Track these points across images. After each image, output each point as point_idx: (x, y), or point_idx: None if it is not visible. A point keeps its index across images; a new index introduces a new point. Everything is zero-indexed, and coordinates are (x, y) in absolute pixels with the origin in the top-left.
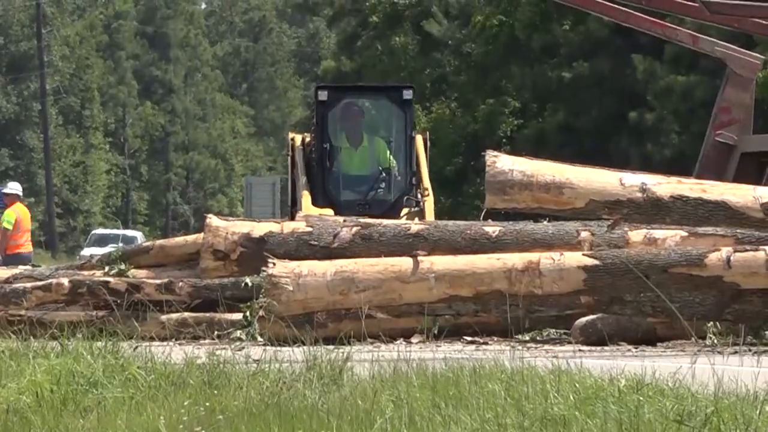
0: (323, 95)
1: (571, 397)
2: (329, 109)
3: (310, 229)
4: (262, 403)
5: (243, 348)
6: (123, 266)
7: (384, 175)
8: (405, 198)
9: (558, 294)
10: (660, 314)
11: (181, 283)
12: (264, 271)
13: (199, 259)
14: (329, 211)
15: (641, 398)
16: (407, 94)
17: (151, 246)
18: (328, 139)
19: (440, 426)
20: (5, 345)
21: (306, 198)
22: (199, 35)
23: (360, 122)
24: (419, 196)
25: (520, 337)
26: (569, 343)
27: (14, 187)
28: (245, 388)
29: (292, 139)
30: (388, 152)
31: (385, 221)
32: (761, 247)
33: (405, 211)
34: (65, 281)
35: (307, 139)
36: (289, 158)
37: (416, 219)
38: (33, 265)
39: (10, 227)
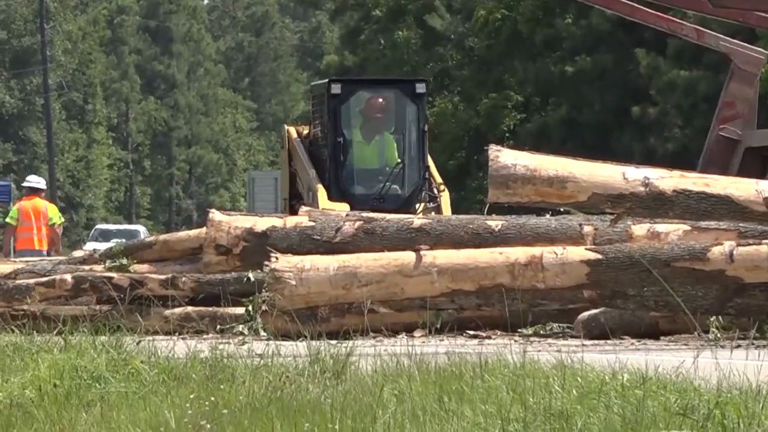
0: (337, 88)
1: (574, 392)
2: (342, 103)
3: (312, 223)
4: (265, 397)
5: (246, 342)
6: (125, 261)
7: (398, 169)
8: (423, 193)
9: (561, 288)
10: (663, 308)
11: (184, 278)
12: (267, 265)
13: (202, 253)
14: (345, 206)
15: (644, 392)
16: (420, 88)
17: (154, 241)
18: (341, 132)
19: (443, 420)
20: (9, 340)
21: (321, 192)
22: (201, 30)
23: (377, 117)
24: (435, 191)
25: (522, 331)
26: (572, 337)
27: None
28: (248, 383)
29: (288, 132)
30: (396, 149)
31: (388, 215)
32: (764, 241)
33: (421, 206)
34: (68, 277)
35: (305, 132)
36: (285, 151)
37: (433, 214)
38: None
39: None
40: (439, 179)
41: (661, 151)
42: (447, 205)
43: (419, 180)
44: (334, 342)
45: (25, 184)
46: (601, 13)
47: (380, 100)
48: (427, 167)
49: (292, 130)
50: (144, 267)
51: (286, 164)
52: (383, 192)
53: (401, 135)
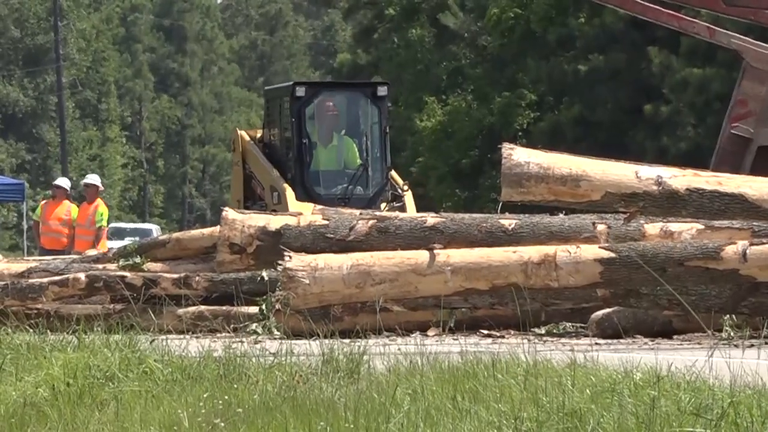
0: (301, 91)
1: (588, 391)
2: (306, 105)
3: (326, 222)
4: (278, 396)
5: (259, 341)
6: (138, 259)
7: (362, 170)
8: (390, 193)
9: (574, 287)
10: (676, 307)
11: (197, 278)
12: (280, 264)
13: (216, 252)
14: (311, 206)
15: (657, 391)
16: (382, 91)
17: (168, 239)
18: (306, 134)
19: (457, 420)
20: (22, 338)
21: (290, 193)
22: (215, 28)
23: (339, 119)
24: (399, 190)
25: (536, 330)
26: (585, 336)
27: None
28: (261, 382)
29: (240, 135)
30: (358, 150)
31: (401, 214)
32: None
33: (385, 206)
34: (82, 276)
35: (258, 135)
36: (237, 154)
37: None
38: None
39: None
40: (400, 180)
41: (674, 150)
42: (411, 204)
43: (382, 180)
44: (347, 341)
45: (91, 181)
46: (613, 12)
47: (343, 102)
48: (390, 167)
49: (244, 134)
50: (157, 266)
51: (239, 166)
52: (348, 192)
53: (364, 137)
